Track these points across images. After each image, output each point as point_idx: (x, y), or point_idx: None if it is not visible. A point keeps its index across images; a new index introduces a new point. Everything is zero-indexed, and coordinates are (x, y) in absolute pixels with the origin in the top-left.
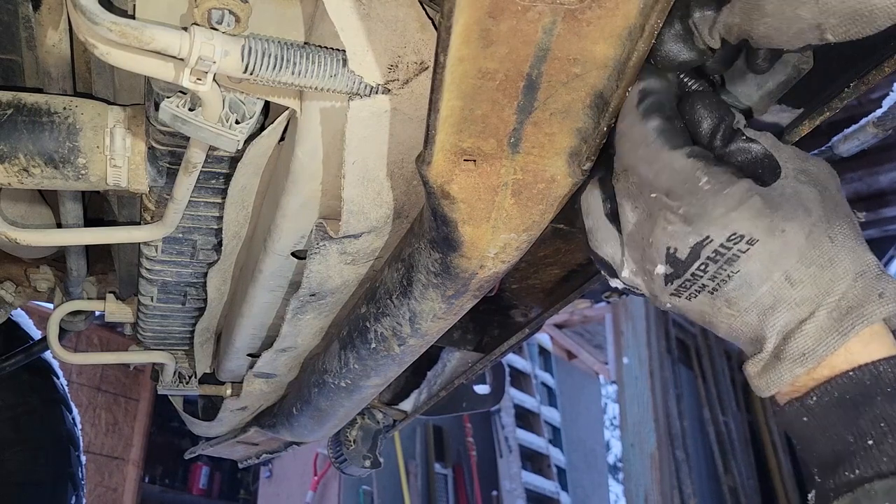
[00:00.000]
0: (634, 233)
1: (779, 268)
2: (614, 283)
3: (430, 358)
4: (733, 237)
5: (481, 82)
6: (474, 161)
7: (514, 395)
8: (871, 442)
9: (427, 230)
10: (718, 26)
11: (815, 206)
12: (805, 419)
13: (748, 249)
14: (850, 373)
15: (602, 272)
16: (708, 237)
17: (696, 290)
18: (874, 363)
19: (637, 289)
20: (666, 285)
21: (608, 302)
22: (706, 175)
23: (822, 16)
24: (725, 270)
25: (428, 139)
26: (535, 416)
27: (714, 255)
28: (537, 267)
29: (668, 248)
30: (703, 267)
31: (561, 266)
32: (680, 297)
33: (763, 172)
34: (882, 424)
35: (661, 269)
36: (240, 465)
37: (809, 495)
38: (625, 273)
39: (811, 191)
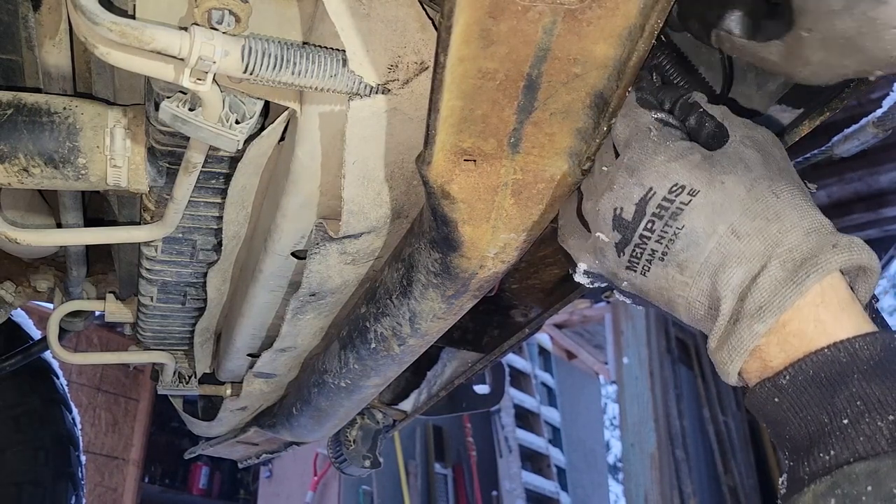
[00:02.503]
0: (590, 208)
1: (723, 220)
2: (577, 276)
3: (430, 358)
4: (674, 188)
5: (481, 82)
6: (474, 161)
7: (514, 395)
8: (847, 421)
9: (427, 230)
10: (745, 50)
11: (757, 165)
12: (776, 399)
13: (690, 202)
14: (826, 350)
15: (569, 269)
16: (651, 189)
17: (647, 260)
18: (850, 340)
19: (599, 278)
20: (619, 256)
21: (608, 302)
22: (656, 130)
23: (868, 64)
24: (671, 227)
25: (428, 139)
26: (535, 416)
27: (658, 210)
28: (537, 267)
29: (615, 210)
30: (649, 225)
31: (561, 266)
32: (635, 270)
33: (711, 139)
34: (859, 403)
35: (608, 236)
36: (240, 465)
37: (781, 478)
38: (582, 263)
39: (753, 153)
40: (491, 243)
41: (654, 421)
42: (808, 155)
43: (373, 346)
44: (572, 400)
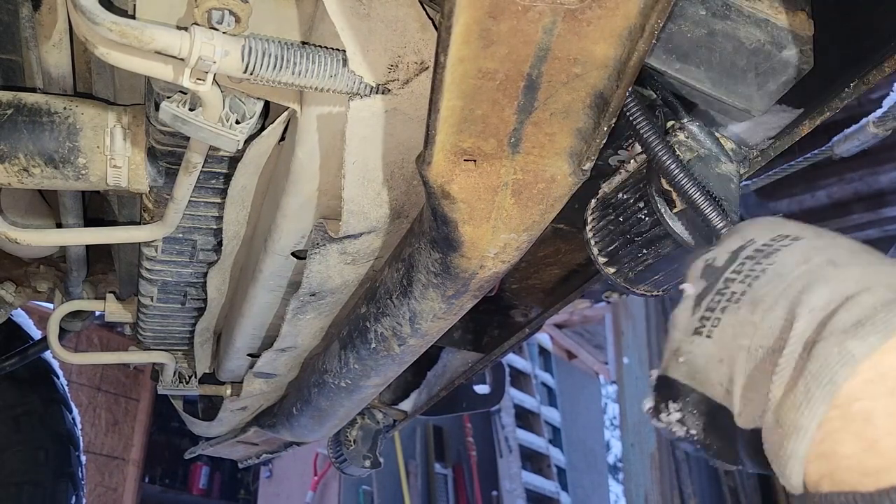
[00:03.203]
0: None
1: (821, 254)
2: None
3: (430, 358)
4: (778, 237)
5: (481, 82)
6: (474, 161)
7: (514, 395)
8: None
9: (427, 230)
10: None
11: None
12: None
13: (791, 244)
14: None
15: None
16: (752, 239)
17: (722, 309)
18: None
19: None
20: (693, 314)
21: (608, 302)
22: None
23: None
24: (761, 264)
25: (428, 139)
26: (535, 416)
27: (754, 253)
28: (537, 267)
29: (707, 261)
30: (739, 268)
31: (561, 266)
32: (701, 333)
33: None
34: None
35: (693, 288)
36: (240, 465)
37: None
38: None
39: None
40: (491, 243)
41: None
42: (808, 155)
43: (373, 346)
44: (572, 400)
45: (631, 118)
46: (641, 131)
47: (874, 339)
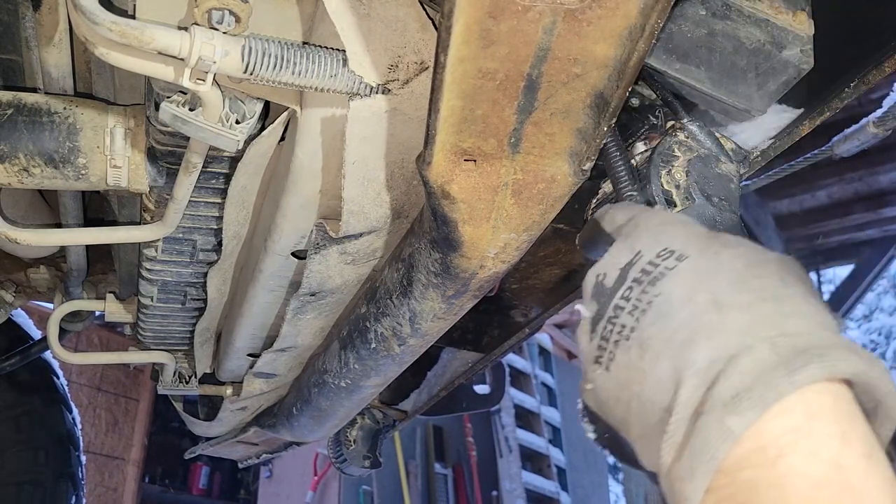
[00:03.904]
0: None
1: (705, 288)
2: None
3: (430, 358)
4: (663, 252)
5: (481, 82)
6: (474, 161)
7: (514, 395)
8: None
9: (427, 230)
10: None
11: (768, 251)
12: None
13: (675, 267)
14: None
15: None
16: (639, 252)
17: (615, 342)
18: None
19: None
20: (590, 341)
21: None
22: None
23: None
24: (647, 294)
25: (428, 139)
26: (535, 416)
27: (640, 274)
28: (537, 267)
29: (598, 277)
30: (627, 293)
31: (561, 266)
32: (600, 363)
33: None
34: None
35: (586, 309)
36: (240, 465)
37: None
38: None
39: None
40: (491, 243)
41: None
42: (808, 155)
43: (373, 346)
44: (572, 400)
45: None
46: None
47: (752, 414)
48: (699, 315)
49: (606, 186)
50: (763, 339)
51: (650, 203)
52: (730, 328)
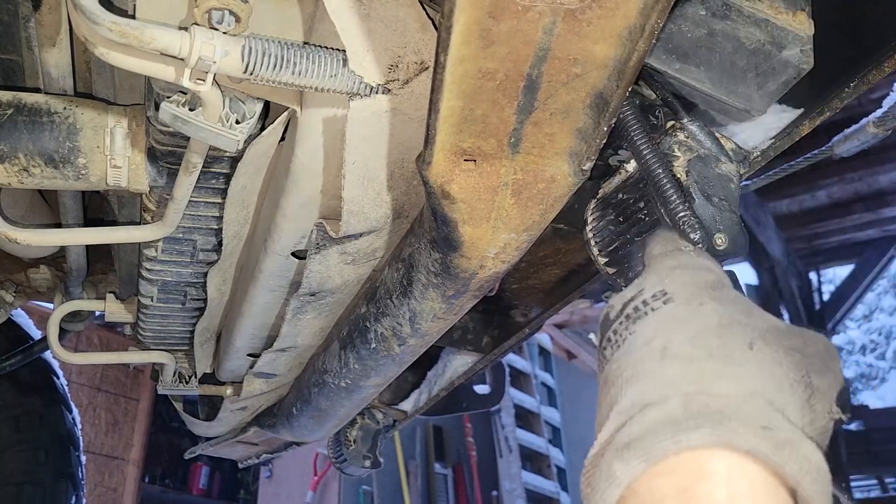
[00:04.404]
0: None
1: (664, 335)
2: None
3: (430, 358)
4: (658, 293)
5: (481, 82)
6: (474, 161)
7: (514, 395)
8: None
9: (427, 230)
10: None
11: (763, 317)
12: None
13: (658, 309)
14: None
15: None
16: (642, 290)
17: (602, 371)
18: None
19: None
20: (598, 368)
21: (608, 302)
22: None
23: None
24: (627, 331)
25: (428, 139)
26: (535, 416)
27: (632, 311)
28: (537, 267)
29: (609, 307)
30: (617, 327)
31: (561, 266)
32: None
33: None
34: None
35: (594, 339)
36: (240, 465)
37: None
38: None
39: (782, 324)
40: (491, 243)
41: None
42: (808, 155)
43: (373, 346)
44: (572, 400)
45: (624, 122)
46: (633, 137)
47: (635, 464)
48: (645, 359)
49: (606, 186)
50: (681, 394)
51: (699, 225)
52: (660, 377)
